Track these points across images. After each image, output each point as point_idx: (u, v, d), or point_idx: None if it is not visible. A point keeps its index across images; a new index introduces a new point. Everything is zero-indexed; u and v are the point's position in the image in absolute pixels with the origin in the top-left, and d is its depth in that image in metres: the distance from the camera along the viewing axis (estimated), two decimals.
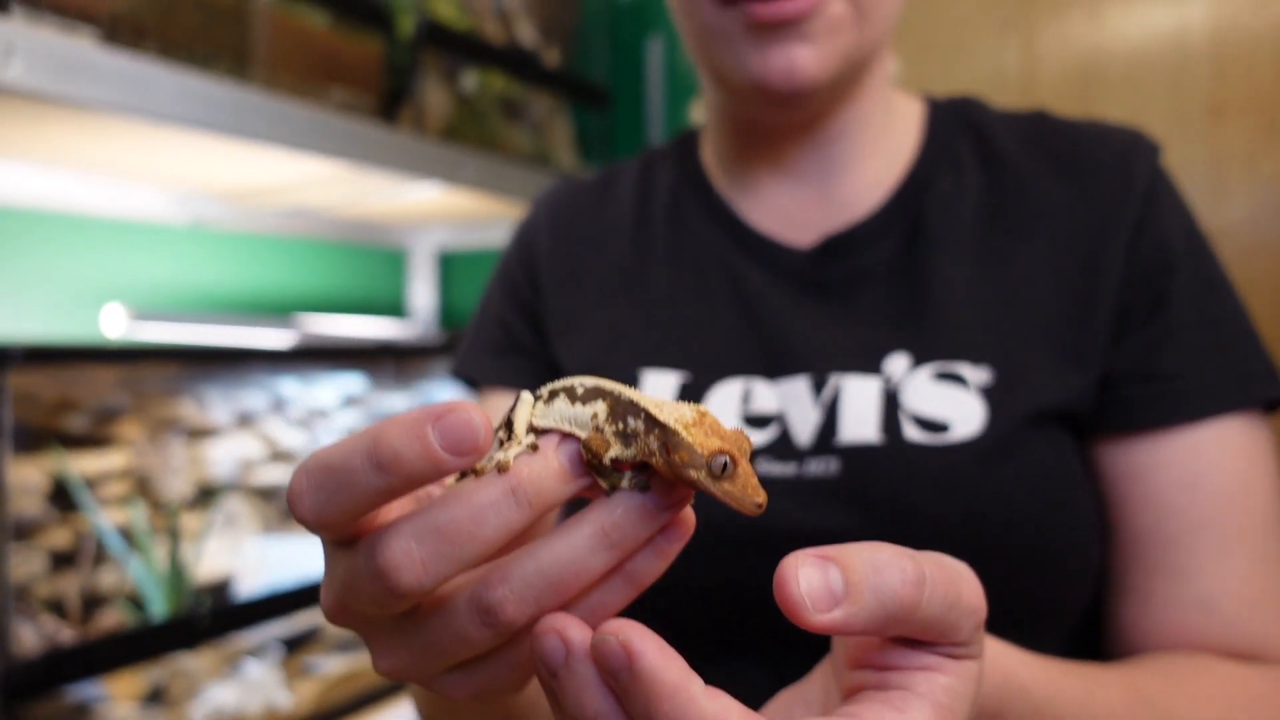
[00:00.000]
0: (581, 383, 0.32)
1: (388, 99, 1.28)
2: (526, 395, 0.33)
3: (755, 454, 0.56)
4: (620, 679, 0.26)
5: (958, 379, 0.55)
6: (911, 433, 0.54)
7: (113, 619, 1.15)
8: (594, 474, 0.30)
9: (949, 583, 0.29)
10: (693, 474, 0.28)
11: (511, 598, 0.29)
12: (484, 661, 0.31)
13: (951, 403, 0.54)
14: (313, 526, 0.29)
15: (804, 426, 0.56)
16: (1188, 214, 0.60)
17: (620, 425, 0.30)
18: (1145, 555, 0.54)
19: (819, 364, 0.57)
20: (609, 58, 1.78)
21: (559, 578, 0.29)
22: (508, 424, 0.32)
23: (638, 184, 0.71)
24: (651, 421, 0.30)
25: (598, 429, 0.30)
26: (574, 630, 0.28)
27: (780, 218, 0.64)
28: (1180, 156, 1.35)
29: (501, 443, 0.31)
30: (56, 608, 1.12)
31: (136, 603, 1.17)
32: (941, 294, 0.58)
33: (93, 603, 1.15)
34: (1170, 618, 0.53)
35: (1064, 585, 0.54)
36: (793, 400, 0.57)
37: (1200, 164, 1.36)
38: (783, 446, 0.56)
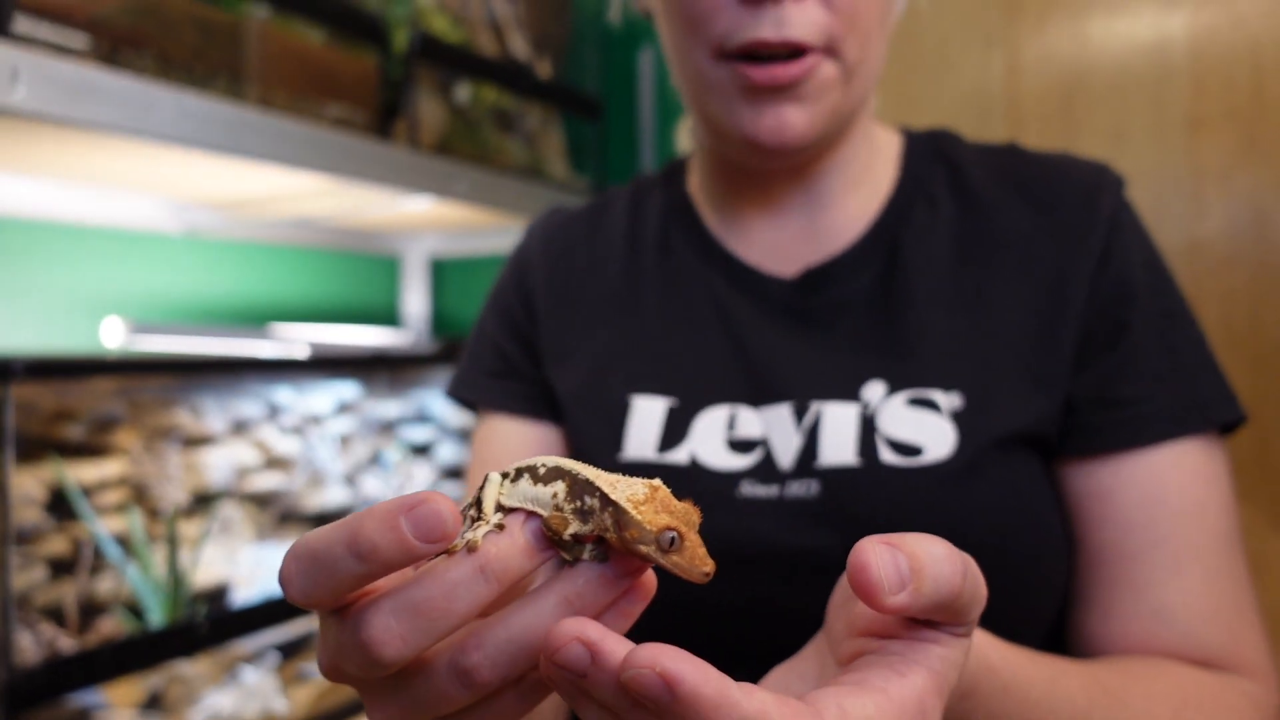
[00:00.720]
0: (544, 463, 0.34)
1: (382, 112, 1.29)
2: (494, 475, 0.35)
3: (740, 477, 0.58)
4: (663, 705, 0.27)
5: (930, 404, 0.57)
6: (887, 455, 0.56)
7: (111, 626, 1.16)
8: (556, 548, 0.33)
9: (977, 575, 0.33)
10: (643, 549, 0.31)
11: (486, 662, 0.31)
12: (468, 714, 0.34)
13: (924, 427, 0.57)
14: (302, 606, 0.32)
15: (786, 451, 0.59)
16: (1150, 245, 0.62)
17: (578, 503, 0.33)
18: (1106, 570, 0.57)
19: (801, 392, 0.60)
20: (601, 70, 1.80)
21: (529, 643, 0.31)
22: (477, 503, 0.34)
23: (628, 212, 0.73)
24: (605, 500, 0.32)
25: (558, 508, 0.33)
26: (589, 630, 0.29)
27: (765, 249, 0.67)
28: (1159, 169, 1.38)
29: (472, 520, 0.34)
30: (55, 615, 1.13)
31: (134, 610, 1.19)
32: (915, 324, 0.60)
33: (91, 610, 1.17)
34: (1129, 628, 0.56)
35: (1033, 598, 0.57)
36: (776, 426, 0.59)
37: (1179, 177, 1.38)
38: (766, 470, 0.58)
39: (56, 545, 1.16)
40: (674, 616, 0.56)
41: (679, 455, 0.60)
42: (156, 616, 1.18)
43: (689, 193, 0.72)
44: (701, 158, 0.70)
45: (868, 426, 0.57)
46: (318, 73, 1.18)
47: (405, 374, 1.69)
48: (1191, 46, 1.39)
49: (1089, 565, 0.58)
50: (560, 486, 0.33)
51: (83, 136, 0.92)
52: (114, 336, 1.28)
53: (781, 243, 0.67)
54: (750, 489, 0.58)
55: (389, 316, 1.86)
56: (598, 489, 0.32)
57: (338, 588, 0.31)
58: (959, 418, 0.57)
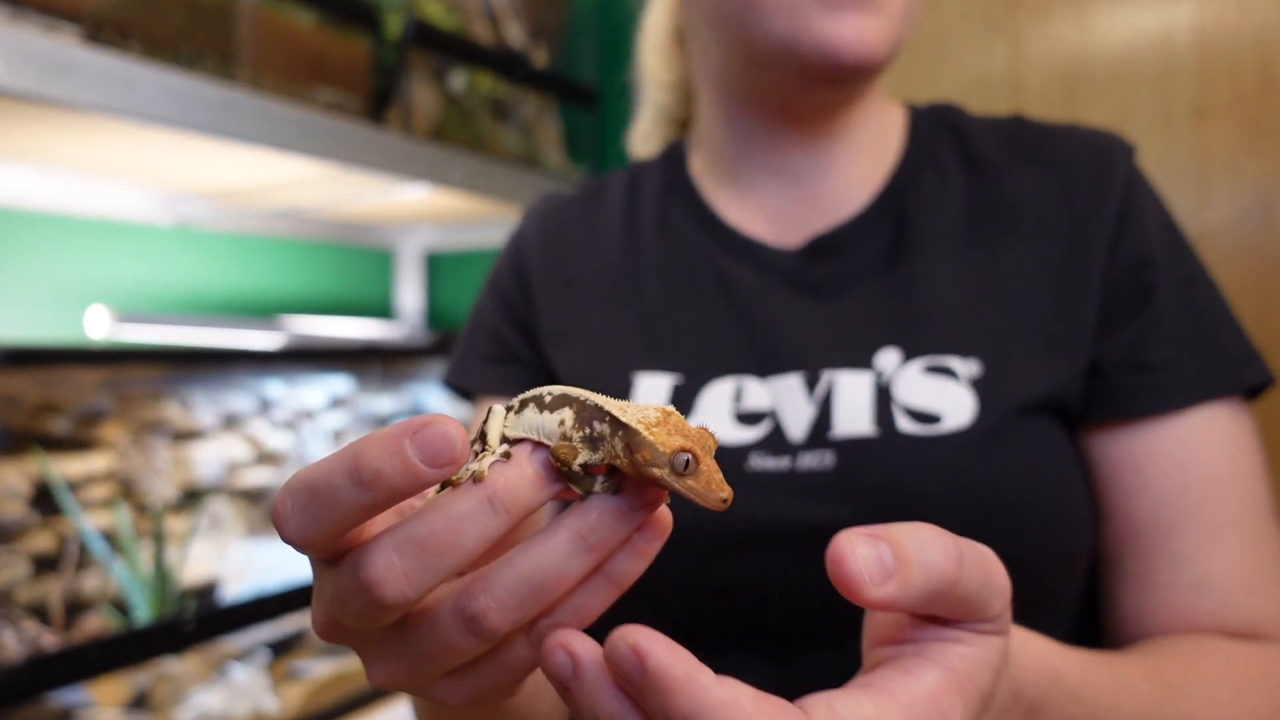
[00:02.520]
0: (549, 391, 0.32)
1: (375, 99, 1.27)
2: (498, 407, 0.33)
3: (749, 450, 0.57)
4: (634, 681, 0.27)
5: (948, 372, 0.56)
6: (904, 424, 0.55)
7: (96, 624, 1.14)
8: (566, 480, 0.31)
9: (981, 560, 0.31)
10: (656, 472, 0.29)
11: (494, 606, 0.29)
12: (475, 667, 0.32)
13: (942, 394, 0.55)
14: (299, 547, 0.29)
15: (797, 422, 0.57)
16: (1165, 210, 0.62)
17: (587, 430, 0.31)
18: (1142, 541, 0.56)
19: (811, 361, 0.58)
20: (598, 59, 1.77)
21: (540, 583, 0.29)
22: (481, 436, 0.33)
23: (626, 194, 0.72)
24: (615, 424, 0.30)
25: (565, 436, 0.31)
26: (578, 643, 0.28)
27: (770, 221, 0.65)
28: (1165, 158, 1.36)
29: (476, 454, 0.32)
30: (39, 613, 1.10)
31: (120, 607, 1.16)
32: (929, 290, 0.59)
33: (76, 607, 1.14)
34: (1168, 600, 0.55)
35: (1056, 570, 0.55)
36: (785, 396, 0.58)
37: (1184, 166, 1.36)
38: (775, 442, 0.57)
39: (41, 541, 1.14)
40: (685, 594, 0.55)
41: None
42: (143, 613, 1.15)
43: (689, 171, 0.70)
44: (707, 131, 0.68)
45: (883, 395, 0.56)
46: (309, 57, 1.16)
47: (399, 368, 1.66)
48: (1197, 33, 1.37)
49: (1123, 537, 0.57)
50: (567, 414, 0.31)
51: (64, 117, 0.89)
52: (99, 326, 1.26)
53: (787, 213, 0.65)
54: (760, 461, 0.56)
55: (383, 311, 1.84)
56: (607, 413, 0.31)
57: (338, 522, 0.29)
58: (978, 384, 0.56)
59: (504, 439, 0.32)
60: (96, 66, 0.86)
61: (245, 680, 1.19)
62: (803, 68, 0.58)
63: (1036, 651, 0.37)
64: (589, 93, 1.71)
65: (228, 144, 1.00)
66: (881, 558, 0.29)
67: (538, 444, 0.31)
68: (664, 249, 0.67)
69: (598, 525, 0.30)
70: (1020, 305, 0.58)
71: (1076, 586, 0.57)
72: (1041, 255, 0.59)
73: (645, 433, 0.29)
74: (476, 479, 0.30)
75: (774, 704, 0.27)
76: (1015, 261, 0.59)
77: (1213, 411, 0.56)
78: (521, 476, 0.30)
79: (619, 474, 0.31)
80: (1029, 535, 0.53)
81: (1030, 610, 0.54)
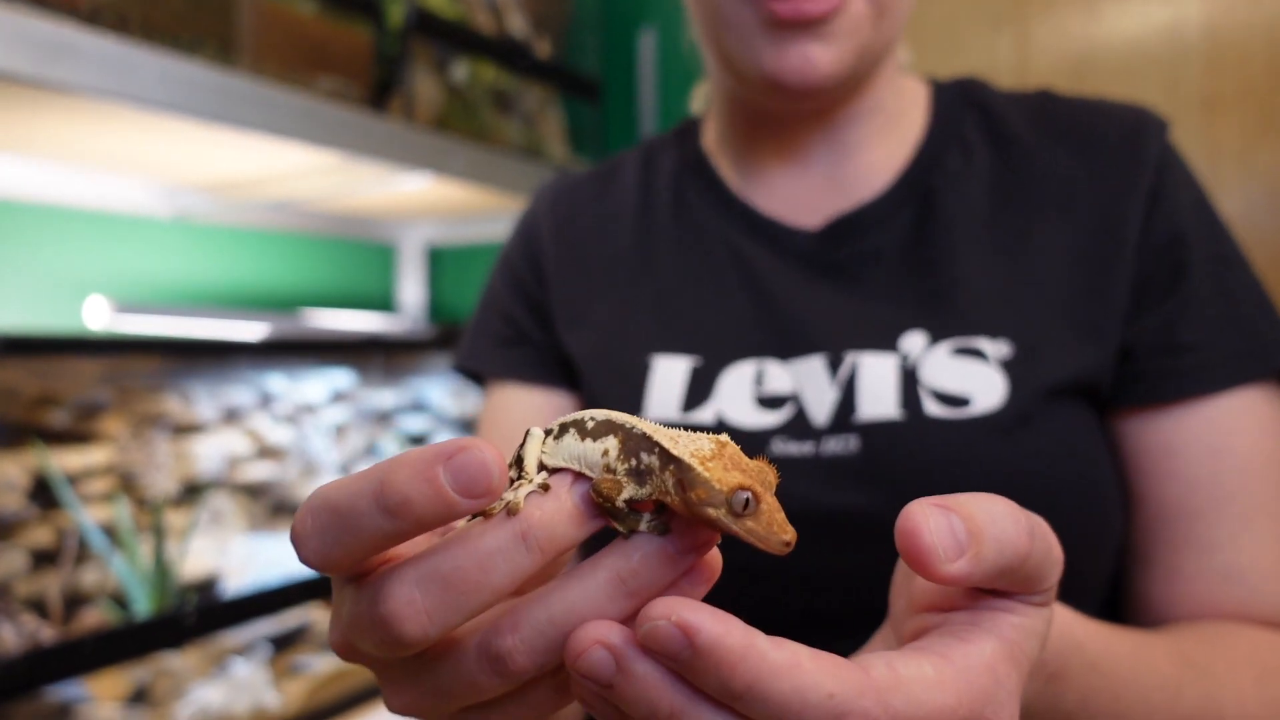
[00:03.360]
0: (592, 416, 0.30)
1: (377, 89, 1.26)
2: (536, 431, 0.31)
3: (771, 434, 0.56)
4: (684, 660, 0.25)
5: (977, 353, 0.55)
6: (932, 408, 0.53)
7: (95, 618, 1.12)
8: (608, 517, 0.28)
9: (1045, 534, 0.30)
10: (711, 513, 0.27)
11: (523, 648, 0.27)
12: (497, 704, 0.30)
13: (971, 377, 0.54)
14: (317, 569, 0.28)
15: (821, 405, 0.56)
16: (1198, 187, 0.60)
17: (633, 462, 0.28)
18: (1170, 528, 0.55)
19: (834, 343, 0.57)
20: (601, 52, 1.76)
21: (572, 627, 0.27)
22: (517, 460, 0.30)
23: (639, 173, 0.70)
24: (666, 457, 0.28)
25: (609, 468, 0.28)
26: (614, 634, 0.26)
27: (787, 201, 0.64)
28: None
29: (511, 481, 0.29)
30: (37, 607, 1.09)
31: (120, 602, 1.15)
32: (955, 271, 0.57)
33: (75, 602, 1.13)
34: (1196, 590, 0.53)
35: (1087, 557, 0.54)
36: (808, 379, 0.56)
37: (1194, 158, 1.35)
38: (799, 426, 0.55)
39: (40, 534, 1.13)
40: None
41: (704, 415, 0.57)
42: (142, 607, 1.14)
43: (704, 149, 0.69)
44: (719, 108, 0.67)
45: (909, 378, 0.55)
46: (309, 45, 1.15)
47: (401, 362, 1.65)
48: (1206, 23, 1.36)
49: (1151, 524, 0.55)
50: (612, 443, 0.29)
51: (60, 101, 0.88)
52: (98, 316, 1.24)
53: (804, 193, 0.64)
54: (783, 446, 0.55)
55: (384, 306, 1.83)
56: (657, 444, 0.28)
57: (360, 548, 0.27)
58: (1008, 366, 0.54)
59: (541, 467, 0.30)
60: (95, 50, 0.85)
61: (246, 675, 1.18)
62: (757, 88, 0.58)
63: (1061, 619, 0.37)
64: (592, 85, 1.70)
65: (227, 130, 0.98)
66: (955, 531, 0.27)
67: (578, 475, 0.29)
68: (679, 228, 0.66)
69: (640, 569, 0.27)
70: (1049, 285, 0.57)
71: (1103, 575, 0.56)
72: (1072, 234, 0.58)
73: (700, 469, 0.27)
74: (511, 511, 0.28)
75: (833, 662, 0.25)
76: (1044, 241, 0.58)
77: (1247, 396, 0.54)
78: (560, 511, 0.28)
79: (667, 511, 0.28)
80: (1057, 521, 0.51)
81: (1057, 596, 0.53)
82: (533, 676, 0.28)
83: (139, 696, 1.12)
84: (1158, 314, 0.56)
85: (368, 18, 1.23)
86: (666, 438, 0.28)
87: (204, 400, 1.34)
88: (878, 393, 0.54)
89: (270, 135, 1.01)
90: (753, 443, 0.55)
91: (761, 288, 0.61)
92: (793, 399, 0.56)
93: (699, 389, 0.58)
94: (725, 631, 0.24)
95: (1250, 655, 0.48)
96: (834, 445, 0.54)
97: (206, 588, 1.26)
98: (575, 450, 0.29)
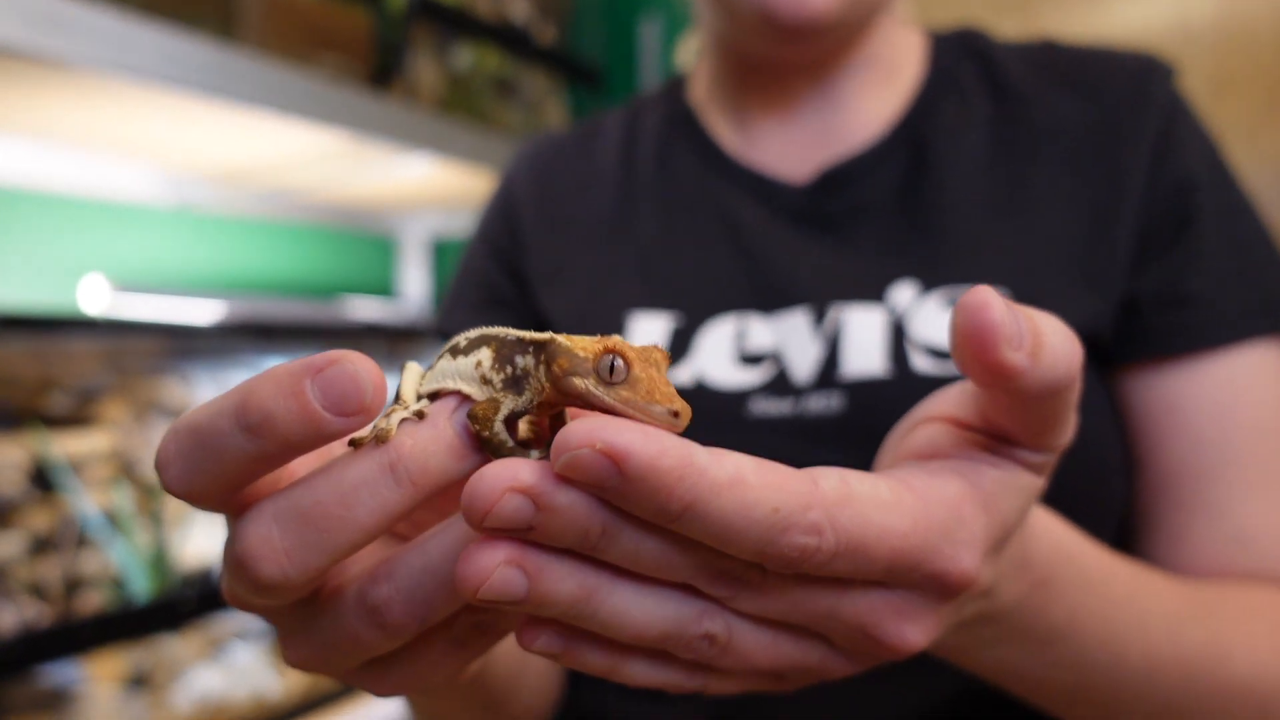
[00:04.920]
0: (466, 336, 0.28)
1: (378, 74, 1.25)
2: (413, 364, 0.29)
3: (750, 394, 0.54)
4: (612, 489, 0.22)
5: None
6: (920, 363, 0.51)
7: (95, 601, 1.12)
8: (489, 450, 0.26)
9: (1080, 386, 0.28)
10: (579, 383, 0.25)
11: (398, 598, 0.25)
12: (395, 661, 0.28)
13: None
14: (183, 498, 0.25)
15: (803, 362, 0.54)
16: (1208, 136, 0.58)
17: (509, 370, 0.27)
18: (1176, 490, 0.52)
19: (818, 296, 0.55)
20: (604, 41, 1.76)
21: (449, 575, 0.25)
22: (396, 397, 0.28)
23: (623, 129, 0.69)
24: (538, 349, 0.26)
25: (485, 379, 0.27)
26: (525, 473, 0.23)
27: (775, 154, 0.62)
28: None
29: (388, 415, 0.28)
30: (37, 592, 1.08)
31: (120, 587, 1.14)
32: (949, 219, 0.56)
33: (75, 587, 1.12)
34: (1205, 554, 0.51)
35: (1087, 523, 0.52)
36: (790, 335, 0.55)
37: None
38: (779, 384, 0.54)
39: (40, 518, 1.12)
40: None
41: (683, 374, 0.56)
42: (142, 591, 1.13)
43: (691, 103, 0.67)
44: (709, 58, 0.66)
45: (897, 332, 0.53)
46: (309, 25, 1.14)
47: (403, 347, 1.64)
48: (1215, 6, 1.35)
49: (1156, 486, 0.53)
50: (485, 354, 0.27)
51: (56, 75, 0.87)
52: (97, 298, 1.24)
53: (794, 146, 0.62)
54: (762, 406, 0.53)
55: (387, 298, 1.82)
56: (530, 343, 0.27)
57: (224, 474, 0.25)
58: None
59: (421, 397, 0.28)
60: (90, 21, 0.84)
61: (246, 660, 1.17)
62: (750, 27, 0.56)
63: (1055, 530, 0.35)
64: (594, 72, 1.69)
65: (229, 107, 0.98)
66: (1020, 321, 0.25)
67: (462, 400, 0.27)
68: (662, 184, 0.64)
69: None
70: (1049, 236, 0.55)
71: (1106, 540, 0.54)
72: (1073, 182, 0.56)
73: (564, 340, 0.25)
74: (380, 440, 0.25)
75: (779, 475, 0.24)
76: (1044, 188, 0.56)
77: (1257, 352, 0.52)
78: (436, 440, 0.25)
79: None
80: (1056, 486, 0.50)
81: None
82: (420, 631, 0.26)
83: (138, 681, 1.11)
84: (1164, 264, 0.54)
85: (368, 1, 1.23)
86: (544, 337, 0.27)
87: (205, 384, 1.34)
88: (863, 348, 0.52)
89: (272, 112, 1.00)
90: (731, 403, 0.54)
91: (745, 242, 0.59)
92: (774, 356, 0.55)
93: (678, 347, 0.57)
94: (659, 453, 0.22)
95: (1266, 606, 0.46)
96: (816, 404, 0.52)
97: (206, 573, 1.25)
98: (449, 370, 0.28)
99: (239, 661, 1.17)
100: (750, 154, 0.63)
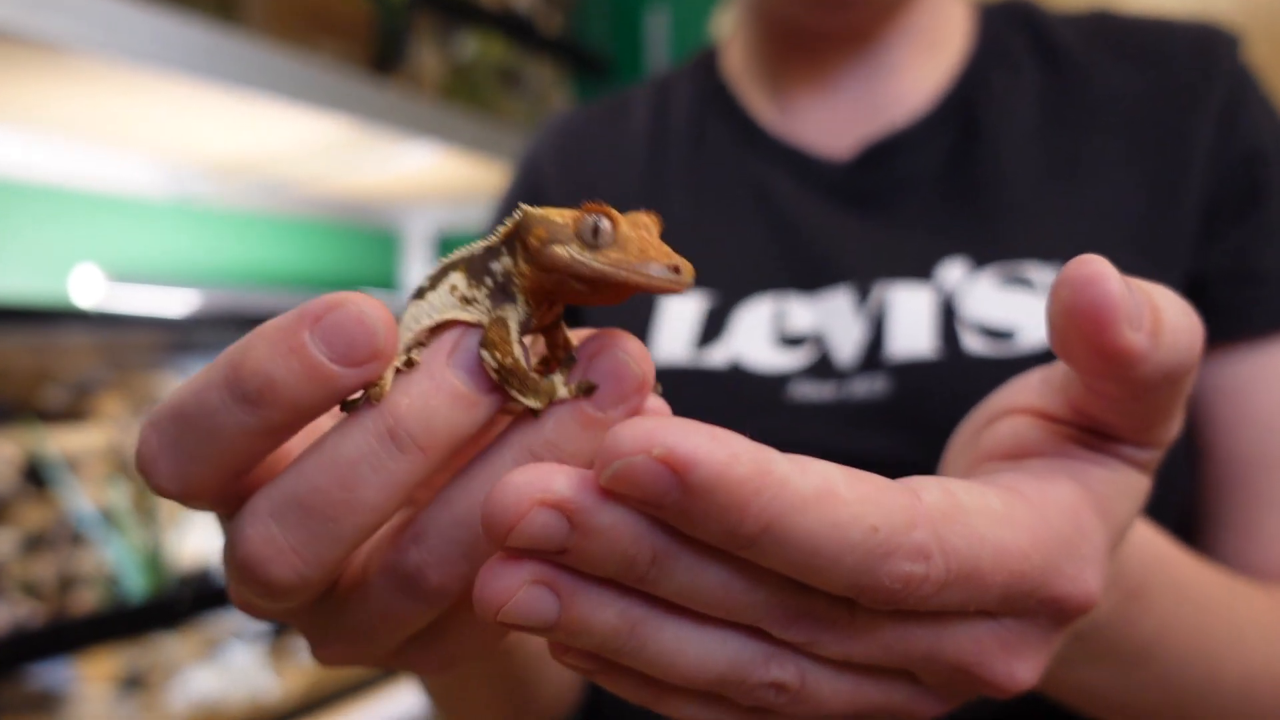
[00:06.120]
0: (427, 275, 0.25)
1: (379, 61, 1.23)
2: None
3: (790, 378, 0.51)
4: (672, 506, 0.18)
5: (1024, 282, 0.50)
6: (972, 343, 0.49)
7: (90, 600, 1.09)
8: (507, 386, 0.22)
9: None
10: (561, 252, 0.22)
11: (432, 560, 0.22)
12: (440, 629, 0.25)
13: (1018, 308, 0.49)
14: (175, 497, 0.22)
15: (846, 343, 0.51)
16: (1275, 108, 0.55)
17: (489, 282, 0.23)
18: (1244, 483, 0.49)
19: (861, 274, 0.52)
20: (610, 31, 1.73)
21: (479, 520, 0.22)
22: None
23: (652, 105, 0.67)
24: (509, 243, 0.23)
25: (465, 300, 0.23)
26: (558, 483, 0.19)
27: (814, 128, 0.60)
28: None
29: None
30: (31, 590, 1.06)
31: (115, 585, 1.12)
32: (1002, 194, 0.53)
33: (69, 585, 1.10)
34: (1277, 552, 0.48)
35: (1152, 515, 0.48)
36: (833, 315, 0.52)
37: None
38: (821, 367, 0.51)
39: (33, 516, 1.10)
40: None
41: (716, 358, 0.53)
42: (136, 586, 1.11)
43: (725, 78, 0.65)
44: (747, 29, 0.63)
45: (946, 311, 0.50)
46: (309, 11, 1.12)
47: None
48: None
49: (1222, 479, 0.50)
50: (458, 277, 0.24)
51: (48, 57, 0.85)
52: (91, 290, 1.21)
53: (834, 120, 0.59)
54: (803, 389, 0.50)
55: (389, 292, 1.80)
56: (502, 240, 0.23)
57: (223, 460, 0.22)
58: None
59: (408, 349, 0.24)
60: (81, 1, 0.82)
61: (244, 661, 1.15)
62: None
63: (1143, 533, 0.31)
64: (600, 63, 1.67)
65: (225, 91, 0.95)
66: (1138, 299, 0.21)
67: (461, 332, 0.23)
68: (694, 161, 0.62)
69: (557, 438, 0.22)
70: (1108, 210, 0.52)
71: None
72: (1133, 154, 0.53)
73: (536, 210, 0.23)
74: (373, 399, 0.22)
75: (875, 486, 0.20)
76: (1102, 162, 0.53)
77: None
78: (438, 391, 0.22)
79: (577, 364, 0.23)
80: None
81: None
82: (463, 589, 0.23)
83: (134, 681, 1.08)
84: (1232, 239, 0.51)
85: None
86: (513, 219, 0.23)
87: None
88: (910, 328, 0.49)
89: (271, 97, 0.98)
90: (770, 388, 0.51)
91: (784, 219, 0.56)
92: (815, 338, 0.52)
93: (712, 328, 0.54)
94: (730, 460, 0.18)
95: None
96: (860, 387, 0.49)
97: (204, 573, 1.23)
98: (422, 311, 0.24)
99: (236, 662, 1.14)
100: (788, 128, 0.60)
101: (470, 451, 0.24)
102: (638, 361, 0.22)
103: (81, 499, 1.10)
